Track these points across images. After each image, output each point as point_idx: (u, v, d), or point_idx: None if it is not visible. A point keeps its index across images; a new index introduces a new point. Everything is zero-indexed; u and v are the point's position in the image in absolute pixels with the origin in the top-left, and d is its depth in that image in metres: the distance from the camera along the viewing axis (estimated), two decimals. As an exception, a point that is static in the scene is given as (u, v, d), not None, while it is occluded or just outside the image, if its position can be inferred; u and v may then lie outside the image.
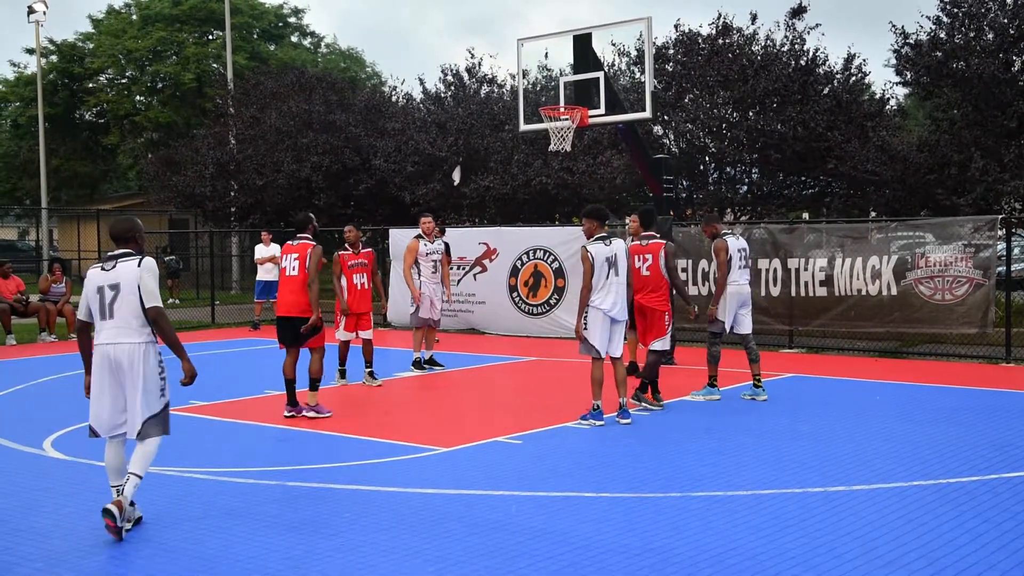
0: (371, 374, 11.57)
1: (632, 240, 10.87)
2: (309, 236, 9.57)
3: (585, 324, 8.98)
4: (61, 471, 7.50)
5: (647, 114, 13.14)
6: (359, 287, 11.32)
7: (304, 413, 9.49)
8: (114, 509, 5.63)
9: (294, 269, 9.48)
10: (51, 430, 8.87)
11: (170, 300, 25.14)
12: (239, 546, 5.59)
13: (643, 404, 9.66)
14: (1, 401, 10.75)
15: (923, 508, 6.10)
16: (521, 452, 7.93)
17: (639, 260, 9.75)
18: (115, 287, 5.86)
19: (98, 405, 5.88)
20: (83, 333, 6.03)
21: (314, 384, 9.57)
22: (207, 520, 6.09)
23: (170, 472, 7.33)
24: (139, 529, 5.92)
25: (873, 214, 19.45)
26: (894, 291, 13.53)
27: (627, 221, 11.61)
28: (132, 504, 5.85)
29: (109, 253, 6.06)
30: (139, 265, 5.86)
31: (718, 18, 20.39)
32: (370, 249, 11.76)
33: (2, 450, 8.23)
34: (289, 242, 9.72)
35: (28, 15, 35.28)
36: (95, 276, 5.93)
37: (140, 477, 5.82)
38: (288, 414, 9.49)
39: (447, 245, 13.46)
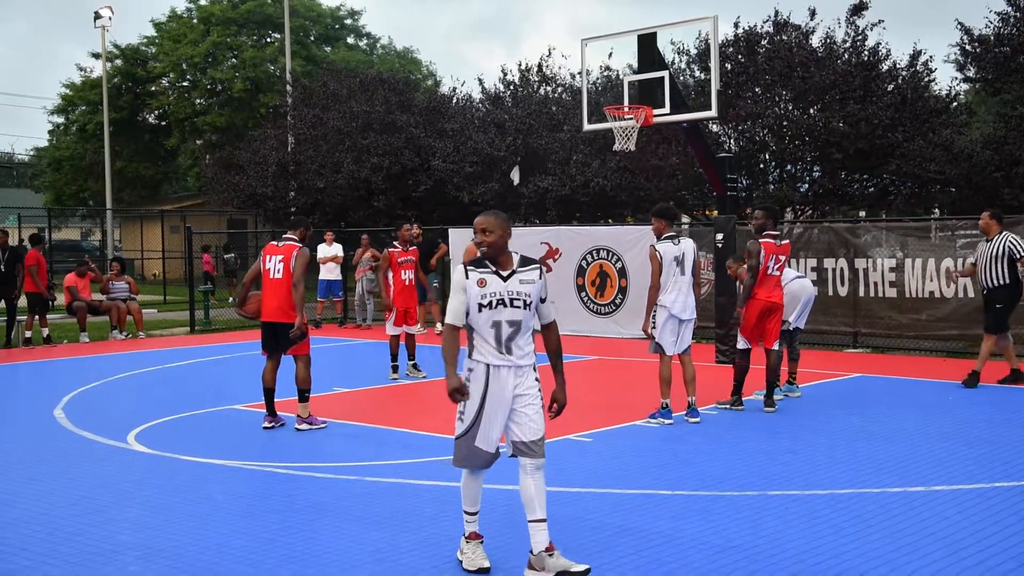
0: (415, 366, 12.00)
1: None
2: (296, 238, 8.92)
3: (653, 323, 9.03)
4: (148, 464, 7.72)
5: (713, 113, 13.10)
6: (406, 283, 11.84)
7: (297, 427, 8.81)
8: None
9: (278, 272, 8.75)
10: (133, 425, 9.14)
11: (229, 299, 25.58)
12: (325, 539, 5.73)
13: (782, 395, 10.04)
14: (80, 397, 11.08)
15: (1008, 510, 6.03)
16: (592, 450, 7.98)
17: (773, 260, 9.41)
18: None
19: None
20: None
21: (303, 395, 8.85)
22: (291, 513, 6.23)
23: (251, 466, 7.52)
24: (228, 522, 6.09)
25: (937, 212, 19.14)
26: (971, 293, 13.33)
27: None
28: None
29: None
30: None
31: (776, 15, 20.23)
32: (415, 247, 12.28)
33: (90, 443, 8.50)
34: (273, 243, 9.04)
35: (94, 20, 36.23)
36: None
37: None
38: (268, 425, 8.87)
39: None
